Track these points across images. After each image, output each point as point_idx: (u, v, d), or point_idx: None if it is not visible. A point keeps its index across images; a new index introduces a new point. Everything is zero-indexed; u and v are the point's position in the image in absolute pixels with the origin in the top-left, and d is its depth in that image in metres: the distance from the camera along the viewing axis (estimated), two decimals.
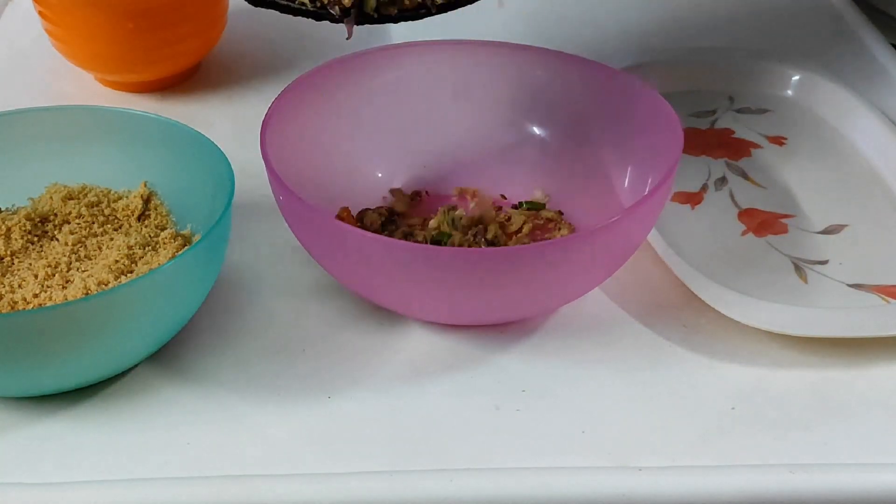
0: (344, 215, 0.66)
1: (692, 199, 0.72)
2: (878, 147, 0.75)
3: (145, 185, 0.65)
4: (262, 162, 0.59)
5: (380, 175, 0.69)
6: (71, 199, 0.64)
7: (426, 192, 0.70)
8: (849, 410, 0.56)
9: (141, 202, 0.64)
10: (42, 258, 0.61)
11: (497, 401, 0.57)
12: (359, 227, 0.65)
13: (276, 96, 0.64)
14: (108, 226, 0.64)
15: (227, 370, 0.59)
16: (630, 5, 0.97)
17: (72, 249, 0.61)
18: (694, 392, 0.58)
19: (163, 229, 0.63)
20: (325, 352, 0.60)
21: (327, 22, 0.61)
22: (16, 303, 0.58)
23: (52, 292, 0.58)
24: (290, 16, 0.62)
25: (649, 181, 0.63)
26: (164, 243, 0.61)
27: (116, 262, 0.59)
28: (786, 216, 0.70)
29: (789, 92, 0.82)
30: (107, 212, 0.64)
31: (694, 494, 0.52)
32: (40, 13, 0.80)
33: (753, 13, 0.96)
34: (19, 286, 0.59)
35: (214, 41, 0.84)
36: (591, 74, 0.68)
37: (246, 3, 0.62)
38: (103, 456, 0.54)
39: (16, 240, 0.62)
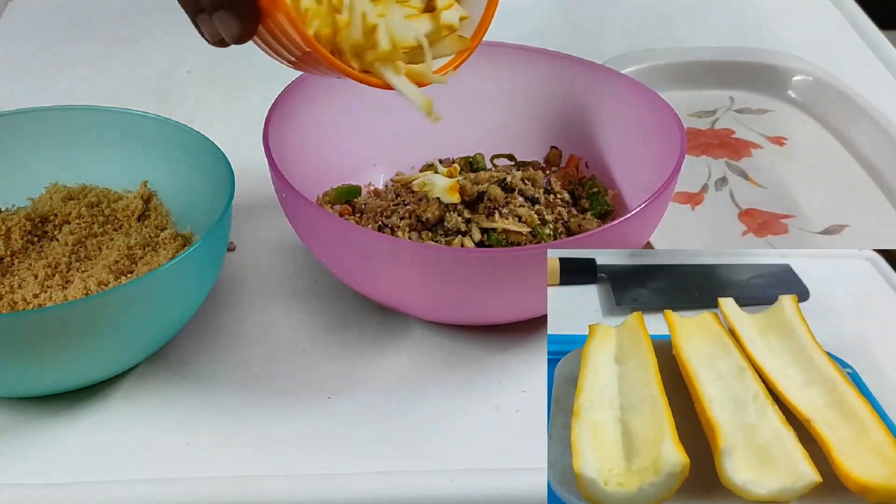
0: (344, 212, 0.66)
1: (692, 199, 0.72)
2: (878, 147, 0.75)
3: (145, 186, 0.65)
4: (262, 162, 0.59)
5: (382, 174, 0.69)
6: (71, 199, 0.64)
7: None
8: None
9: (141, 202, 0.64)
10: (42, 258, 0.61)
11: (497, 401, 0.57)
12: (355, 220, 0.65)
13: (279, 95, 0.64)
14: (108, 226, 0.64)
15: (227, 370, 0.59)
16: (631, 6, 0.97)
17: (72, 250, 0.61)
18: None
19: (163, 229, 0.63)
20: (325, 352, 0.60)
21: None
22: (16, 303, 0.58)
23: (52, 292, 0.58)
24: None
25: (651, 184, 0.63)
26: (164, 243, 0.61)
27: (116, 262, 0.59)
28: (786, 216, 0.70)
29: (789, 92, 0.82)
30: (107, 212, 0.64)
31: None
32: None
33: (753, 13, 0.96)
34: (19, 286, 0.59)
35: None
36: (591, 76, 0.68)
37: None
38: (103, 456, 0.54)
39: (16, 240, 0.62)
